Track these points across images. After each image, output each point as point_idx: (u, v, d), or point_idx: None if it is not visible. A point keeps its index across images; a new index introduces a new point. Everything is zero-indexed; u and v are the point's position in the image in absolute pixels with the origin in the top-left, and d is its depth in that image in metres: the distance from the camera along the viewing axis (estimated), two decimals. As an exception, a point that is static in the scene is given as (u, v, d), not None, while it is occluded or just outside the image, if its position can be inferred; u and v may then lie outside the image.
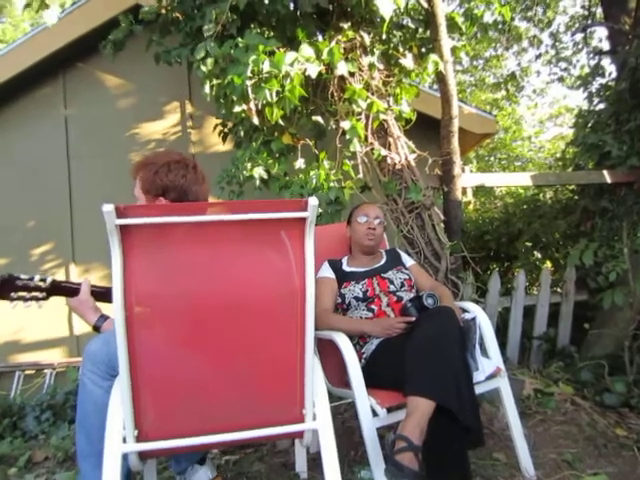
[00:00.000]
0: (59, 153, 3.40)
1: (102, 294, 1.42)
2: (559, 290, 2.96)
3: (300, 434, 1.22)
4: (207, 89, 2.16)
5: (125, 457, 1.11)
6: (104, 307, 1.40)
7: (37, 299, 1.36)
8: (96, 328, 1.36)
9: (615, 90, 3.37)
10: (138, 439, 1.09)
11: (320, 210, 2.32)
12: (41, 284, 1.35)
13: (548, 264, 3.60)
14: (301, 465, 1.70)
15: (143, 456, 1.18)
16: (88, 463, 1.29)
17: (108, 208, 0.93)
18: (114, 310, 1.00)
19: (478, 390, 1.49)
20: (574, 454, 1.75)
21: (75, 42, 3.23)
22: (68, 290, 1.39)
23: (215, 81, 2.14)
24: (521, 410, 1.88)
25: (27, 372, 3.24)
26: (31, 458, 2.15)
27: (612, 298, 2.35)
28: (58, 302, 1.42)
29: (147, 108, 3.52)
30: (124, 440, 1.09)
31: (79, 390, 1.31)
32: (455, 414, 1.26)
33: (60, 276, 3.36)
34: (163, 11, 2.48)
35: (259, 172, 2.35)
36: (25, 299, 1.34)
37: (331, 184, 2.35)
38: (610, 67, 3.77)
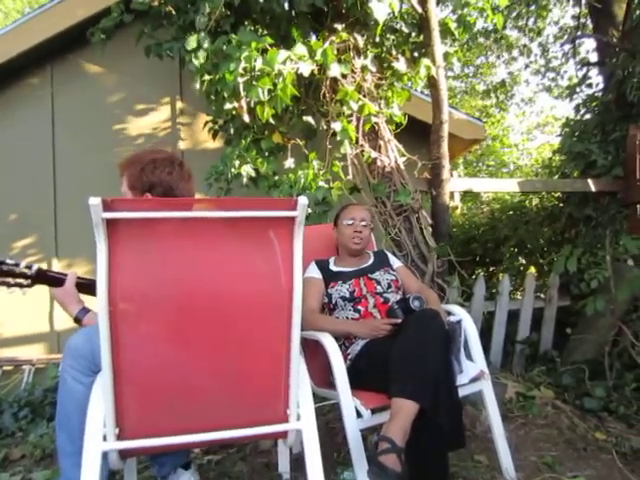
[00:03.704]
0: (45, 145, 3.34)
1: (87, 286, 1.40)
2: (542, 295, 3.00)
3: (284, 434, 1.21)
4: (198, 84, 2.14)
5: (105, 455, 1.09)
6: (88, 300, 1.38)
7: (21, 286, 1.33)
8: (77, 320, 1.34)
9: (602, 101, 3.44)
10: (119, 437, 1.07)
11: (309, 210, 2.32)
12: (27, 271, 1.33)
13: (532, 270, 3.65)
14: (284, 465, 1.69)
15: (124, 455, 1.16)
16: (69, 461, 1.26)
17: (95, 201, 0.91)
18: (98, 305, 0.98)
19: (462, 392, 1.50)
20: (554, 457, 1.78)
21: (65, 32, 3.17)
22: (54, 279, 1.38)
23: (207, 77, 2.13)
24: (503, 413, 1.90)
25: (5, 368, 3.16)
26: (7, 456, 2.11)
27: (594, 304, 2.39)
28: (38, 296, 1.40)
29: (137, 103, 3.47)
30: (104, 438, 1.07)
31: (59, 386, 1.29)
32: (432, 417, 1.26)
33: (42, 270, 3.30)
34: (156, 3, 2.45)
35: (247, 170, 2.34)
36: (9, 285, 1.32)
37: (319, 184, 2.34)
38: (597, 78, 3.84)
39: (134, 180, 1.36)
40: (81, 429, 1.09)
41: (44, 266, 3.38)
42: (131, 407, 1.07)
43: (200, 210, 1.06)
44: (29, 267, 1.34)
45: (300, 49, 2.09)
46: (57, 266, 3.31)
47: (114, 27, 2.57)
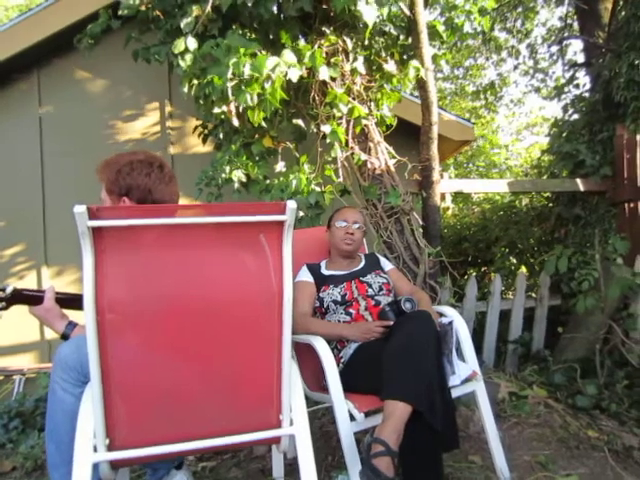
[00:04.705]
0: (32, 152, 3.31)
1: (68, 301, 1.36)
2: (534, 295, 3.02)
3: (277, 440, 1.21)
4: (185, 89, 2.13)
5: (96, 467, 1.08)
6: (70, 314, 1.36)
7: None
8: (65, 336, 1.31)
9: (589, 101, 3.48)
10: (110, 448, 1.06)
11: (301, 213, 2.32)
12: (0, 294, 1.29)
13: (523, 269, 3.67)
14: (278, 471, 1.68)
15: (115, 465, 1.14)
16: (59, 473, 1.25)
17: (80, 209, 0.90)
18: (85, 315, 0.97)
19: (454, 394, 1.50)
20: (547, 456, 1.79)
21: (52, 37, 3.14)
22: (31, 298, 1.33)
23: (195, 81, 2.12)
24: (496, 413, 1.90)
25: (-5, 378, 3.13)
26: (-3, 468, 2.08)
27: (585, 303, 2.41)
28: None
29: (126, 107, 3.45)
30: (95, 449, 1.06)
31: (49, 397, 1.27)
32: (427, 418, 1.26)
33: (32, 278, 3.26)
34: (143, 8, 2.44)
35: (238, 175, 2.33)
36: None
37: (312, 187, 2.34)
38: (584, 79, 3.89)
39: (111, 184, 1.30)
40: (70, 441, 1.08)
41: (33, 274, 3.34)
42: (121, 417, 1.06)
43: (189, 216, 1.06)
44: (3, 289, 1.29)
45: (289, 56, 2.08)
46: (46, 274, 3.28)
47: (101, 32, 2.55)
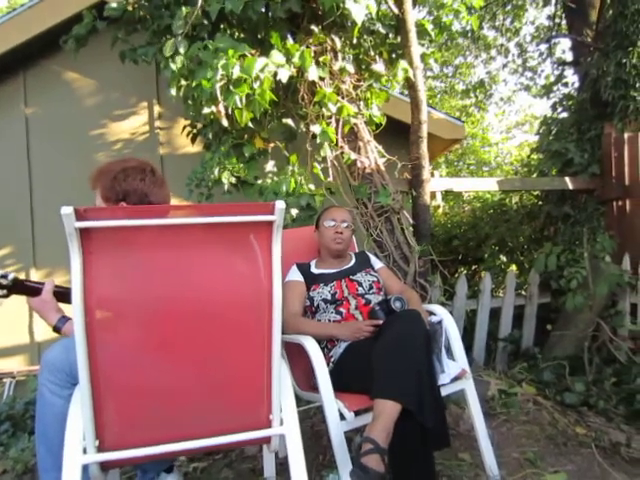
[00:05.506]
0: (19, 153, 3.27)
1: (65, 295, 1.38)
2: (523, 292, 3.04)
3: (267, 440, 1.21)
4: (173, 91, 2.12)
5: (86, 468, 1.08)
6: (67, 309, 1.36)
7: None
8: (56, 329, 1.33)
9: (577, 100, 3.51)
10: (99, 449, 1.05)
11: (295, 211, 2.31)
12: (2, 281, 1.31)
13: (513, 267, 3.70)
14: (270, 470, 1.69)
15: (105, 467, 1.14)
16: (50, 477, 1.24)
17: (67, 210, 0.90)
18: (74, 316, 0.97)
19: (444, 392, 1.51)
20: (536, 453, 1.81)
21: (36, 38, 3.11)
22: (31, 289, 1.36)
23: (183, 82, 2.11)
24: (486, 410, 1.92)
25: (-16, 381, 3.09)
26: (-12, 472, 2.06)
27: (574, 301, 2.44)
28: (18, 307, 1.38)
29: (114, 108, 3.42)
30: (84, 451, 1.05)
31: (37, 400, 1.27)
32: (417, 417, 1.27)
33: (20, 280, 3.23)
34: (130, 8, 2.42)
35: (227, 177, 2.32)
36: None
37: (304, 188, 2.34)
38: (573, 77, 3.93)
39: (107, 191, 1.34)
40: (61, 443, 1.08)
41: (22, 276, 3.30)
42: (111, 418, 1.06)
43: (177, 217, 1.06)
44: (4, 277, 1.31)
45: (277, 57, 2.07)
46: (35, 276, 3.25)
47: (87, 33, 2.53)
